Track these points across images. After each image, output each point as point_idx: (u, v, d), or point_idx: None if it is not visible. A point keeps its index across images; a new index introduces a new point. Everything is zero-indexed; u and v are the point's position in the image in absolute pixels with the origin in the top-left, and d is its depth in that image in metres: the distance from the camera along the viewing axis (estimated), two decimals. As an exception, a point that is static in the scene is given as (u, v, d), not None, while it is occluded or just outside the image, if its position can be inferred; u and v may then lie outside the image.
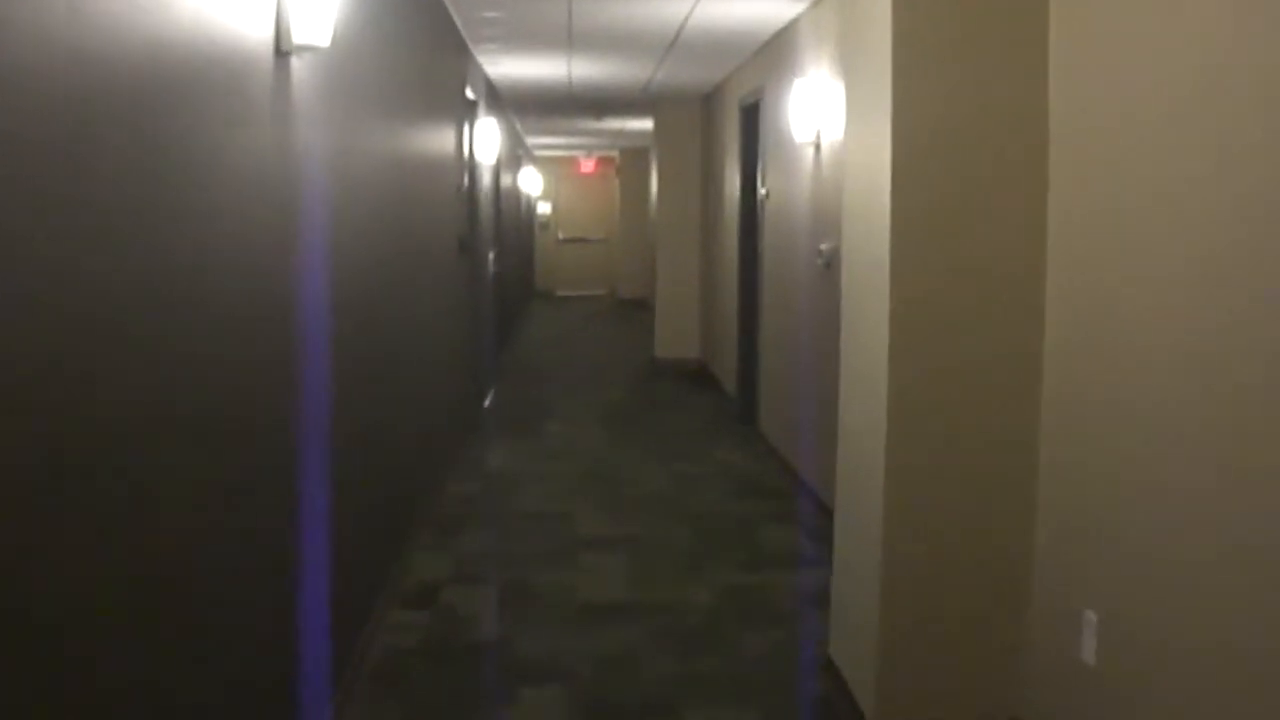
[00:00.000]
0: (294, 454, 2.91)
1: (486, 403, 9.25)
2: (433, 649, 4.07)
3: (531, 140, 17.78)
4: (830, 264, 5.60)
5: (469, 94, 7.80)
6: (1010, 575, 3.14)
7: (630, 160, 19.83)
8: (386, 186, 4.43)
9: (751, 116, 8.30)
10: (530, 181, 18.95)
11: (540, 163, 21.06)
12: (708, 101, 11.03)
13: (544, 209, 21.87)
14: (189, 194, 2.15)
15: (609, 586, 4.78)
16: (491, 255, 9.89)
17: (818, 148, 5.94)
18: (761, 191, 7.74)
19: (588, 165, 21.68)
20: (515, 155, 15.09)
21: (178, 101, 2.09)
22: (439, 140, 6.19)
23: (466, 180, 7.64)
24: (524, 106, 12.50)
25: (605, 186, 21.77)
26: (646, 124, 14.08)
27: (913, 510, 3.16)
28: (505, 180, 12.67)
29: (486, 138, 8.73)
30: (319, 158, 3.21)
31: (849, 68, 3.65)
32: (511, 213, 14.11)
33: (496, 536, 5.53)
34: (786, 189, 6.89)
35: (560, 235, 22.11)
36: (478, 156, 8.39)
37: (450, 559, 5.10)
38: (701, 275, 11.57)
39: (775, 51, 7.25)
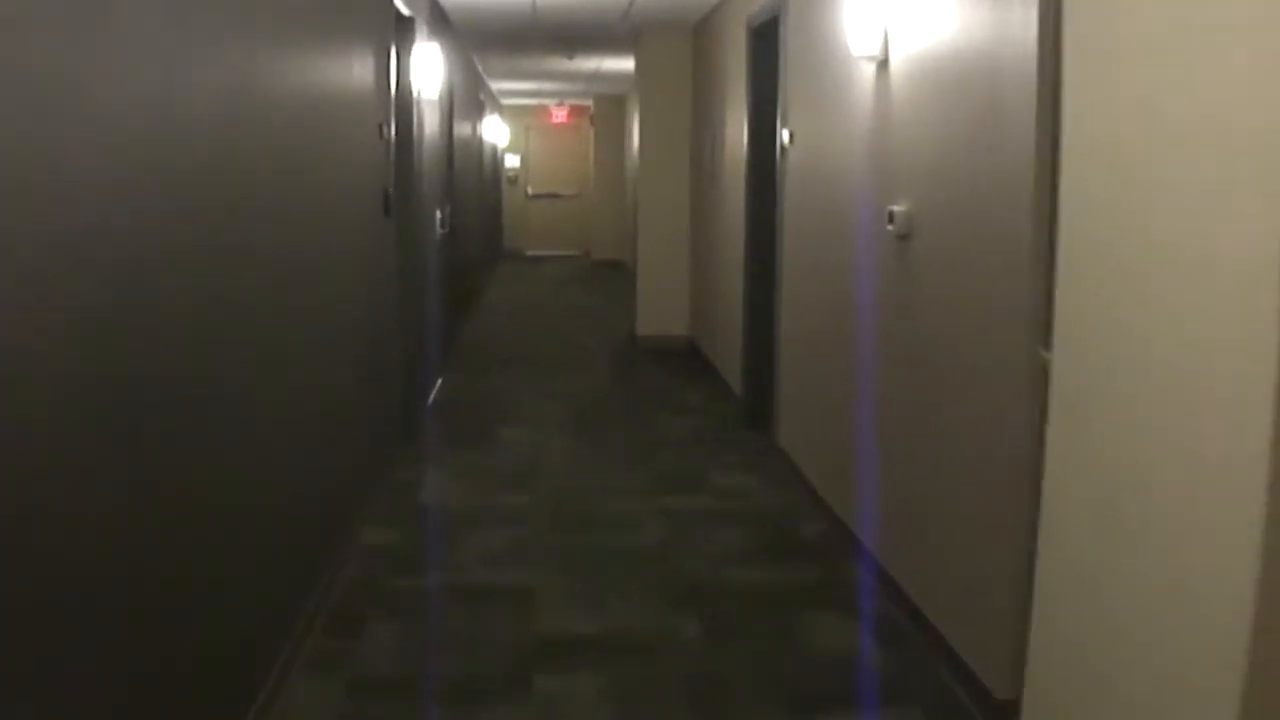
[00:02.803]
0: None
1: (431, 398, 7.44)
2: None
3: (497, 85, 15.89)
4: (910, 234, 3.81)
5: (400, 7, 5.94)
6: None
7: (606, 109, 18.11)
8: (210, 115, 2.62)
9: (766, 40, 6.47)
10: (496, 132, 17.15)
11: (508, 112, 19.29)
12: (700, 31, 9.16)
13: (512, 162, 20.05)
14: None
15: (582, 752, 3.01)
16: (440, 214, 8.03)
17: (884, 64, 4.12)
18: (784, 135, 5.92)
19: (559, 114, 19.83)
20: (477, 100, 13.18)
21: None
22: (342, 63, 4.35)
23: (394, 121, 5.81)
24: (483, 41, 10.59)
25: (579, 138, 19.96)
26: (625, 64, 12.23)
27: None
28: (464, 128, 10.79)
29: (429, 68, 6.87)
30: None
31: None
32: (473, 165, 12.20)
33: (416, 639, 3.75)
34: (827, 129, 5.07)
35: (529, 190, 20.25)
36: (417, 91, 6.52)
37: (338, 693, 3.31)
38: (692, 241, 9.77)
39: (805, -54, 5.41)
